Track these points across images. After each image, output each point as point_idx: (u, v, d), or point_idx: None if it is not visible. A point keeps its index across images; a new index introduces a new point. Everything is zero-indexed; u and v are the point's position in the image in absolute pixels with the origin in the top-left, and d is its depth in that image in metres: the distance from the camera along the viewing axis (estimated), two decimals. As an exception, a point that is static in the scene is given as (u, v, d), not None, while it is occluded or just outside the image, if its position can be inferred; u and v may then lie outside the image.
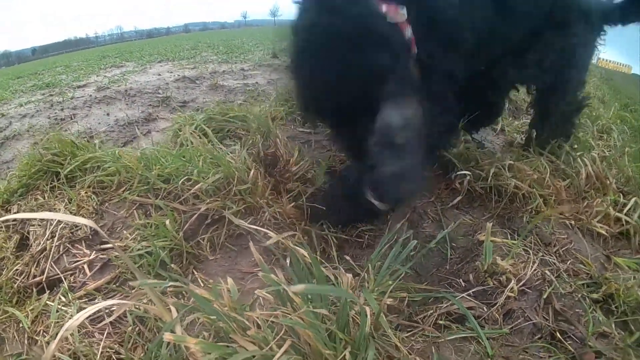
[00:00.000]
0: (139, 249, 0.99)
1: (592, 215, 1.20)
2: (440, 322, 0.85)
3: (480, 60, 1.26)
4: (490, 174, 1.24)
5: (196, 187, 1.10)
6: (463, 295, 0.89)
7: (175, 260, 0.99)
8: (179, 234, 1.00)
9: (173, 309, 0.63)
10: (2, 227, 1.26)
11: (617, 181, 1.37)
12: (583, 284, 0.95)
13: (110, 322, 0.87)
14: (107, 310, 0.88)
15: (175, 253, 1.00)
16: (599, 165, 1.37)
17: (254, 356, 0.54)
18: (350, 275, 0.69)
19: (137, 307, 0.81)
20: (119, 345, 0.83)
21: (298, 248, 0.69)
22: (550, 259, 1.00)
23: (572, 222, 1.15)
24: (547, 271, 0.94)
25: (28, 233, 1.22)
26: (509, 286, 0.87)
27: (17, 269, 1.10)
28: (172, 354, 0.69)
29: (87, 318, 0.73)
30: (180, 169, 1.18)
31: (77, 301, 0.95)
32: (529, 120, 1.67)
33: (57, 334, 0.86)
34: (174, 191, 1.16)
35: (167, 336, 0.52)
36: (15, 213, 1.31)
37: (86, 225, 1.18)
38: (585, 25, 1.35)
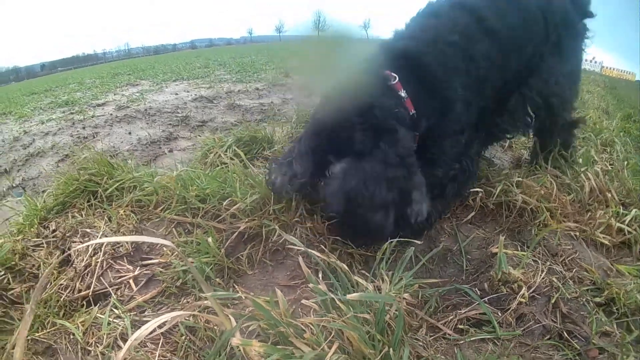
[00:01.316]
0: (183, 265, 1.09)
1: (596, 226, 1.29)
2: (460, 326, 0.95)
3: (484, 98, 1.35)
4: (499, 191, 1.35)
5: (235, 207, 1.20)
6: (480, 301, 0.99)
7: (218, 275, 1.08)
8: (220, 251, 1.10)
9: (232, 318, 0.73)
10: (43, 244, 1.33)
11: (619, 194, 1.46)
12: (587, 289, 1.04)
13: (162, 333, 0.96)
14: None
15: (217, 268, 1.10)
16: (601, 179, 1.47)
17: (310, 356, 0.64)
18: (387, 283, 0.79)
19: (189, 318, 0.91)
20: (172, 354, 0.91)
21: (337, 261, 0.79)
22: (557, 268, 1.09)
23: (577, 234, 1.25)
24: (554, 279, 1.03)
25: (69, 249, 1.29)
26: (520, 293, 0.97)
27: (61, 284, 1.17)
28: (226, 359, 0.78)
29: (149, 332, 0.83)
30: (217, 190, 1.28)
31: (127, 313, 1.03)
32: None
33: (111, 343, 0.96)
34: (211, 210, 1.26)
35: (235, 340, 0.62)
36: (53, 230, 1.40)
37: (127, 242, 1.27)
38: (574, 34, 1.46)
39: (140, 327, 0.77)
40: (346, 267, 0.81)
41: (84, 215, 1.43)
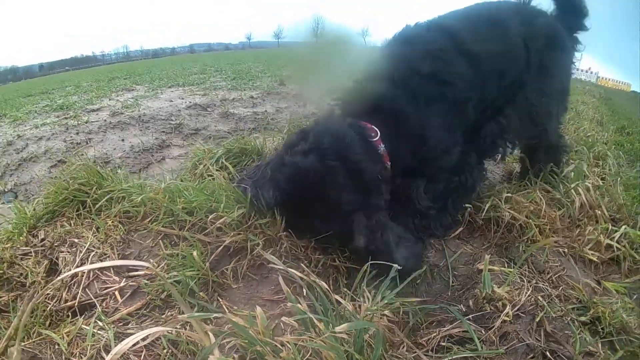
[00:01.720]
0: (168, 278, 1.08)
1: (584, 243, 1.29)
2: (443, 343, 0.94)
3: (468, 116, 1.38)
4: (488, 206, 1.35)
5: (220, 220, 1.19)
6: (463, 319, 0.98)
7: (202, 288, 1.08)
8: (205, 264, 1.09)
9: (211, 334, 0.72)
10: (31, 252, 1.32)
11: (609, 209, 1.46)
12: (573, 308, 1.04)
13: (145, 345, 0.95)
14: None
15: (202, 282, 1.09)
16: (592, 194, 1.47)
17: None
18: (366, 304, 0.78)
19: (171, 332, 0.90)
20: (154, 367, 0.91)
21: (317, 279, 0.79)
22: (543, 286, 1.09)
23: (565, 250, 1.25)
24: (539, 297, 1.03)
25: (57, 259, 1.29)
26: (504, 311, 0.96)
27: (48, 294, 1.16)
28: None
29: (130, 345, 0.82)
30: (204, 203, 1.27)
31: (112, 325, 1.02)
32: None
33: (93, 356, 0.96)
34: (198, 223, 1.25)
35: (212, 358, 0.62)
36: (42, 239, 1.39)
37: (114, 253, 1.27)
38: (560, 53, 1.47)
39: (123, 339, 0.79)
40: (326, 287, 0.80)
41: (72, 225, 1.43)
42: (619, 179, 1.74)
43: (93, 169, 1.61)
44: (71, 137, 3.25)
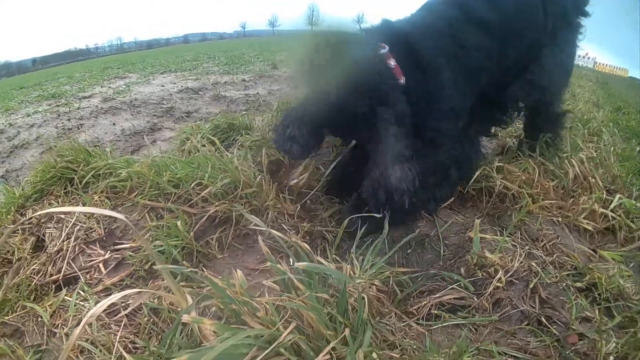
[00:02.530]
0: (152, 248, 1.05)
1: (579, 212, 1.27)
2: (434, 311, 0.92)
3: (479, 87, 1.33)
4: (480, 176, 1.32)
5: (205, 191, 1.16)
6: (454, 286, 0.96)
7: (187, 258, 1.05)
8: (189, 234, 1.07)
9: (188, 296, 0.69)
10: (18, 230, 1.31)
11: (604, 180, 1.44)
12: (568, 274, 1.01)
13: (126, 315, 0.93)
14: (122, 304, 0.94)
15: (187, 252, 1.07)
16: (586, 166, 1.45)
17: (262, 336, 0.61)
18: (349, 266, 0.75)
19: (152, 299, 0.88)
20: (135, 336, 0.89)
21: (299, 242, 0.76)
22: (537, 253, 1.06)
23: (560, 219, 1.22)
24: (533, 263, 1.00)
25: (44, 235, 1.28)
26: (496, 277, 0.94)
27: (34, 269, 1.15)
28: (185, 338, 0.76)
29: (104, 311, 0.81)
30: (189, 175, 1.25)
31: (94, 296, 1.01)
32: (521, 125, 1.76)
33: (77, 325, 0.94)
34: (184, 195, 1.22)
35: (186, 317, 0.59)
36: (30, 220, 1.38)
37: (100, 227, 1.25)
38: (570, 28, 1.44)
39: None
40: (308, 248, 0.78)
41: (60, 202, 1.41)
42: (612, 149, 1.71)
43: (80, 147, 1.59)
44: (62, 123, 3.20)
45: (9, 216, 1.39)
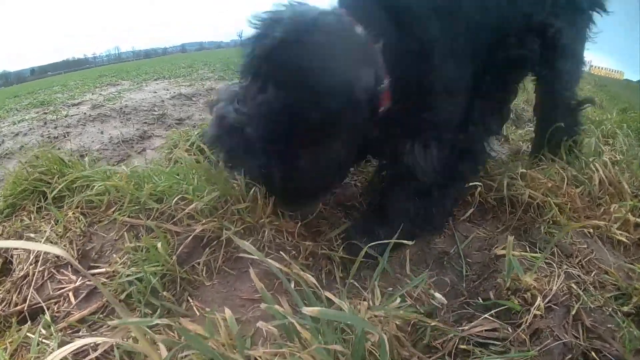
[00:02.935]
0: (128, 275, 0.91)
1: (611, 221, 1.13)
2: (462, 346, 0.77)
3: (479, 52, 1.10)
4: (504, 184, 1.18)
5: (191, 206, 1.02)
6: (485, 315, 0.81)
7: (169, 286, 0.90)
8: (172, 258, 0.91)
9: (162, 346, 0.55)
10: None
11: (630, 185, 1.30)
12: (611, 297, 0.87)
13: (96, 357, 0.78)
14: (92, 345, 0.79)
15: (169, 279, 0.92)
16: (611, 170, 1.31)
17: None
18: (365, 303, 0.61)
19: (117, 342, 0.73)
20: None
21: (302, 273, 0.62)
22: (574, 272, 0.92)
23: (591, 230, 1.08)
24: (572, 284, 0.86)
25: (12, 257, 1.14)
26: (535, 304, 0.79)
27: None
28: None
29: (70, 353, 0.66)
30: (173, 188, 1.10)
31: (59, 334, 0.86)
32: (532, 129, 1.62)
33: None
34: (167, 211, 1.08)
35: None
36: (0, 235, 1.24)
37: (73, 248, 1.10)
38: (584, 17, 1.30)
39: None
40: (314, 281, 0.63)
41: (32, 219, 1.26)
42: (637, 152, 1.58)
43: (54, 156, 1.45)
44: (49, 131, 3.07)
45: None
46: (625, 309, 0.84)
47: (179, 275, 0.91)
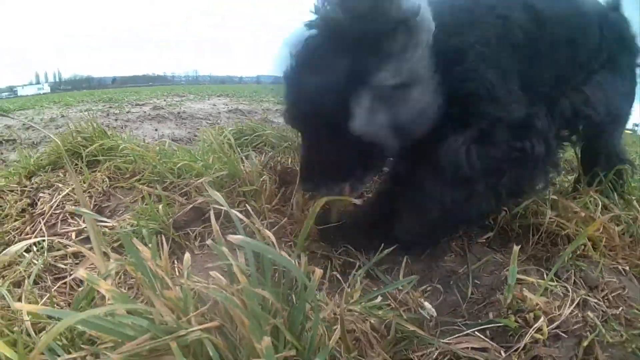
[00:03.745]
0: (126, 227, 0.94)
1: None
2: (443, 362, 0.69)
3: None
4: (527, 211, 1.09)
5: (199, 180, 1.05)
6: (474, 330, 0.73)
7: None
8: (168, 220, 0.93)
9: (113, 262, 0.53)
10: (17, 191, 1.30)
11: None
12: (639, 334, 0.75)
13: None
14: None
15: (162, 239, 0.92)
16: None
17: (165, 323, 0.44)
18: (321, 270, 0.56)
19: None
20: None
21: (265, 230, 0.60)
22: (595, 302, 0.81)
23: (626, 268, 0.96)
24: (590, 314, 0.75)
25: (38, 200, 1.25)
26: (535, 325, 0.70)
27: (14, 225, 1.12)
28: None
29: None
30: (189, 164, 1.15)
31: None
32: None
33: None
34: (181, 184, 1.13)
35: (80, 272, 0.44)
36: (32, 185, 1.35)
37: (91, 202, 1.19)
38: (632, 55, 1.23)
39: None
40: (273, 237, 0.60)
41: (67, 176, 1.38)
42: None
43: (98, 126, 1.63)
44: (109, 121, 3.31)
45: (15, 177, 1.40)
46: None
47: (172, 237, 0.92)
